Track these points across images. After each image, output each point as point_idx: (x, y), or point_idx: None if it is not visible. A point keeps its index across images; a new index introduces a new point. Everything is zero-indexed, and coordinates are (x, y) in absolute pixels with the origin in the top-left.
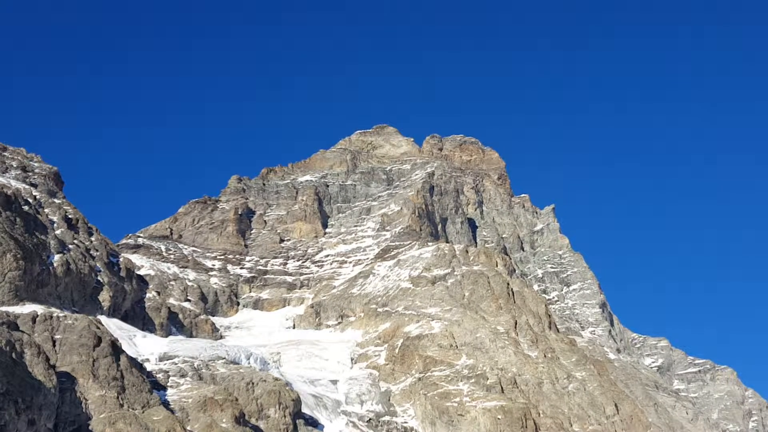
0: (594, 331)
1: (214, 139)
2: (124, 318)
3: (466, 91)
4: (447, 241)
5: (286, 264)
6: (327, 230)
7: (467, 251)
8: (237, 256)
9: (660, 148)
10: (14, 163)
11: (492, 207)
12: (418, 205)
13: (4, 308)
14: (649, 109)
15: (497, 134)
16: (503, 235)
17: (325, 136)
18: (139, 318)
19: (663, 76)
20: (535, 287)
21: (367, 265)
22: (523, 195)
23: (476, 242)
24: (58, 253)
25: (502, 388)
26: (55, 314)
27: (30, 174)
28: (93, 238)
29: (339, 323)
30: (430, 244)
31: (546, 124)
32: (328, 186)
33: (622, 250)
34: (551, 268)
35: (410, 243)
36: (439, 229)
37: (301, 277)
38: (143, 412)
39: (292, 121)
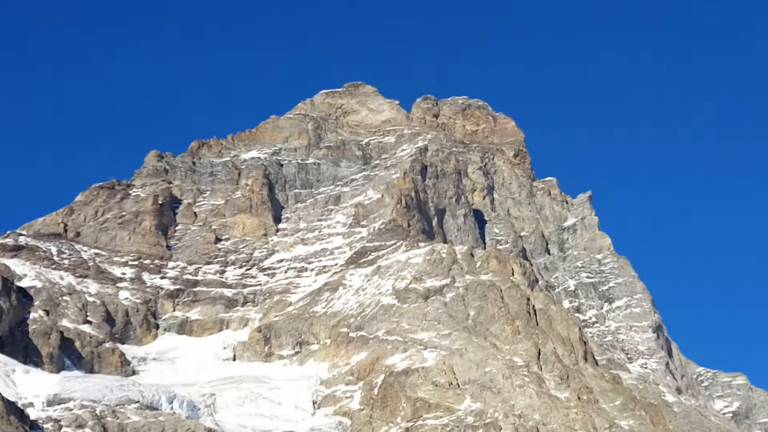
0: (646, 363)
1: (126, 101)
2: (0, 347)
3: (467, 40)
4: (445, 241)
5: (224, 272)
6: (280, 226)
7: (472, 255)
8: (156, 261)
9: (735, 118)
10: None
11: (506, 194)
12: (406, 192)
13: None
14: (718, 68)
15: (512, 96)
16: (522, 233)
17: (279, 100)
18: (19, 346)
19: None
20: (566, 304)
21: (335, 273)
22: (548, 178)
23: (485, 242)
24: None
25: None
26: None
27: None
28: None
29: (297, 353)
30: (421, 244)
31: (577, 83)
32: (282, 165)
33: (682, 256)
34: (587, 277)
35: (394, 243)
36: (434, 224)
37: (245, 290)
38: None
39: (234, 80)
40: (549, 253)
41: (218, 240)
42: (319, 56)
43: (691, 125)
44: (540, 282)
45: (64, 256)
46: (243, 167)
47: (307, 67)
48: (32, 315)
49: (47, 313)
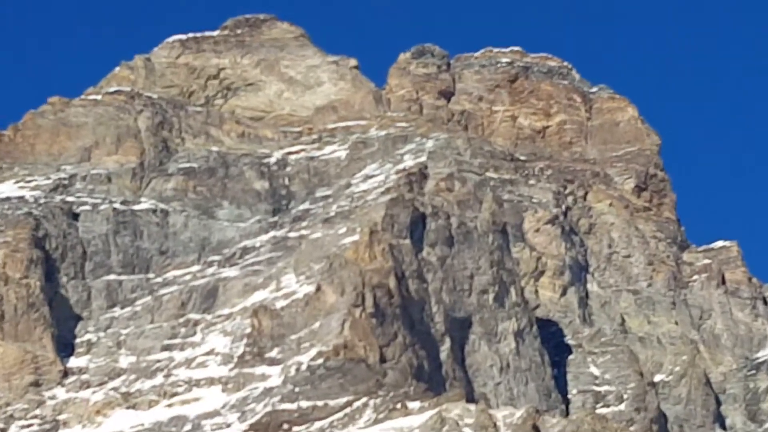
0: None
1: None
2: None
3: None
4: (471, 398)
5: None
6: (72, 362)
7: (537, 429)
8: None
9: None
10: None
11: (619, 281)
12: (375, 280)
13: None
14: None
15: (624, 60)
16: (657, 376)
17: (73, 66)
18: None
19: None
20: None
21: None
22: (721, 244)
23: (566, 399)
24: None
25: None
26: None
27: None
28: None
29: None
30: (413, 405)
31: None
32: (76, 217)
33: None
34: None
35: (348, 402)
36: (443, 353)
37: None
38: None
39: None
40: (723, 427)
41: None
42: None
43: None
44: None
45: None
46: None
47: None
48: None
49: None
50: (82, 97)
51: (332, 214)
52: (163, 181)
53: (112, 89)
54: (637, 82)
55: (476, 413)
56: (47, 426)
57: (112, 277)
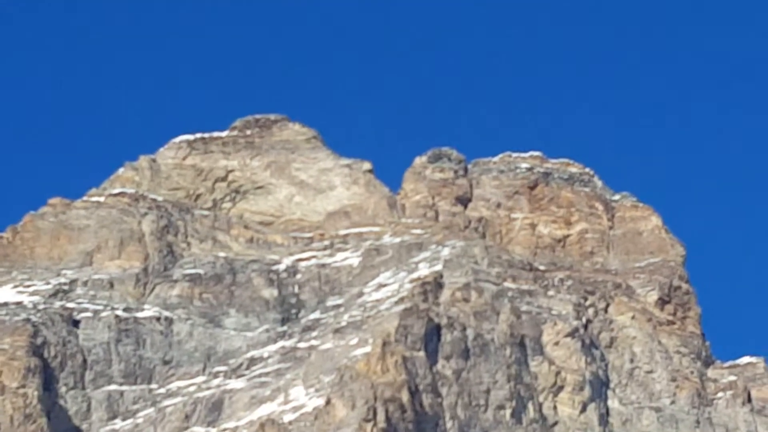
0: None
1: None
2: None
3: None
4: None
5: None
6: None
7: None
8: None
9: None
10: None
11: (641, 398)
12: (387, 394)
13: None
14: None
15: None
16: None
17: (73, 167)
18: None
19: None
20: None
21: None
22: (749, 360)
23: None
24: None
25: None
26: None
27: None
28: None
29: None
30: None
31: None
32: (77, 323)
33: None
34: None
35: None
36: None
37: None
38: None
39: None
40: None
41: None
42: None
43: None
44: None
45: None
46: None
47: (138, 90)
48: None
49: None
50: (84, 198)
51: (343, 324)
52: (167, 288)
53: (115, 191)
54: (661, 190)
55: None
56: None
57: (113, 387)
